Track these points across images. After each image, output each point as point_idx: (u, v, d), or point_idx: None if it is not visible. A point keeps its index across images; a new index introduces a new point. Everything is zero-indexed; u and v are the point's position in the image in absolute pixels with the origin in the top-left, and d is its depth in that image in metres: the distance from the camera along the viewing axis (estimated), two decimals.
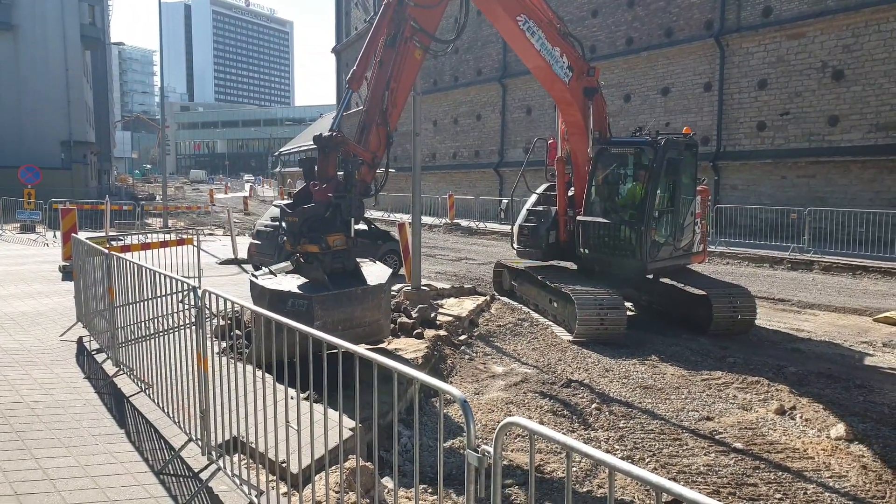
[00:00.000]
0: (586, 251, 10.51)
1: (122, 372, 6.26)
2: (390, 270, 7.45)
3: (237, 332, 5.56)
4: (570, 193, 11.08)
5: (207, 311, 4.37)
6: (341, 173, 7.07)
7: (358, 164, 7.13)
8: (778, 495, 4.86)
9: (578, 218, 10.61)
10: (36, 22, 36.25)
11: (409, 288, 10.33)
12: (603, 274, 10.42)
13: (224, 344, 5.46)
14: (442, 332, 8.48)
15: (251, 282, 6.87)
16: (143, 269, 5.52)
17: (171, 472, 4.40)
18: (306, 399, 4.74)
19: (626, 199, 10.45)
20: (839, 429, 5.97)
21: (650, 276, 10.99)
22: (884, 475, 5.20)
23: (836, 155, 20.19)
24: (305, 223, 6.73)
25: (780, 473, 5.21)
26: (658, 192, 9.78)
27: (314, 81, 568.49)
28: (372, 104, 7.47)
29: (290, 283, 6.74)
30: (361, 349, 3.15)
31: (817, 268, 16.11)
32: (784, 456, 5.53)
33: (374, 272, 7.32)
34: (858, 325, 10.60)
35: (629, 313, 10.42)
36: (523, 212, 12.01)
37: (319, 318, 6.22)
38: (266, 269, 7.29)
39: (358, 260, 7.36)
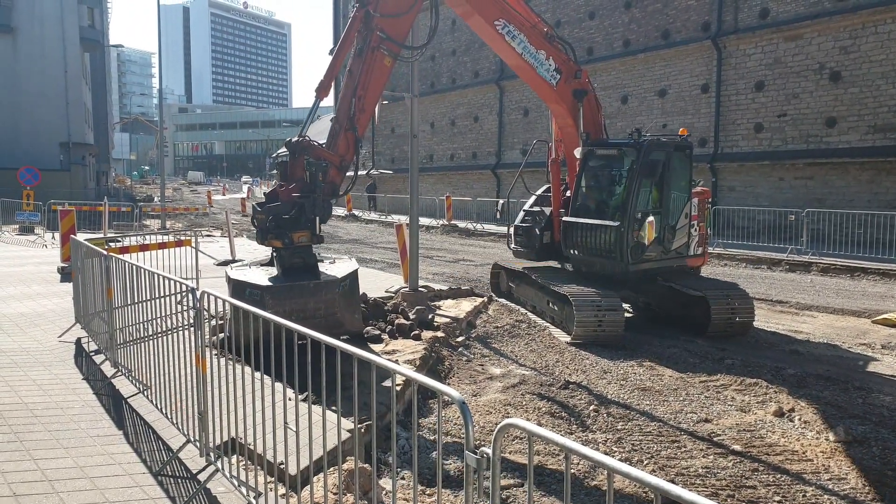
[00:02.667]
0: (571, 251, 10.56)
1: (120, 373, 6.25)
2: (355, 267, 7.68)
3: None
4: (567, 195, 11.10)
5: (205, 313, 4.37)
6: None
7: (322, 167, 7.54)
8: (777, 498, 4.86)
9: (564, 218, 10.66)
10: (35, 24, 36.22)
11: (407, 289, 10.33)
12: (592, 274, 10.44)
13: (220, 342, 5.45)
14: (439, 334, 8.47)
15: (225, 272, 7.44)
16: (142, 270, 5.52)
17: (170, 473, 4.39)
18: (304, 401, 4.74)
19: (611, 201, 10.47)
20: (838, 431, 5.97)
21: (648, 278, 11.00)
22: (883, 478, 5.21)
23: (834, 156, 20.24)
24: (272, 220, 7.21)
25: (779, 476, 5.21)
26: (640, 193, 9.78)
27: (312, 83, 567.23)
28: (340, 111, 7.85)
29: (255, 274, 7.29)
30: (360, 351, 3.15)
31: (815, 269, 16.13)
32: (783, 458, 5.53)
33: (336, 269, 7.63)
34: (857, 326, 10.61)
35: (627, 315, 10.42)
36: (521, 212, 12.05)
37: (271, 307, 6.50)
38: (244, 262, 7.96)
39: (334, 257, 7.91)
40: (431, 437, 5.73)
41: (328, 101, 8.34)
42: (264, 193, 7.89)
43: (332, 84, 8.28)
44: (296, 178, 7.41)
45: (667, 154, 9.98)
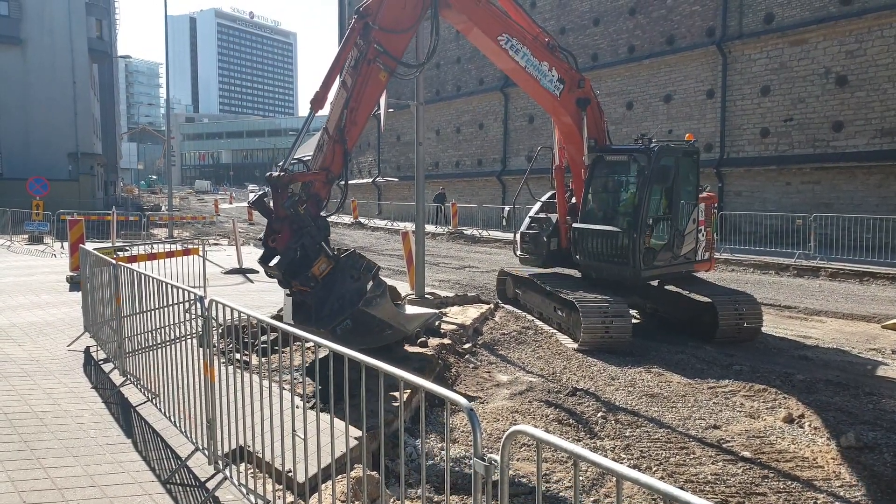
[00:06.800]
0: (581, 258, 10.54)
1: (129, 381, 6.28)
2: (357, 304, 7.02)
3: (244, 339, 5.57)
4: (573, 201, 11.11)
5: (213, 321, 4.39)
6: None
7: (294, 202, 7.07)
8: None
9: (574, 225, 10.66)
10: (44, 36, 36.65)
11: (413, 296, 10.34)
12: (600, 281, 10.43)
13: (230, 352, 5.48)
14: (446, 341, 8.47)
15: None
16: (150, 279, 5.56)
17: (178, 481, 4.40)
18: (312, 408, 4.74)
19: (620, 207, 10.47)
20: (849, 437, 5.92)
21: (655, 284, 10.98)
22: (895, 484, 5.16)
23: (841, 161, 20.16)
24: (286, 274, 6.88)
25: (790, 482, 5.17)
26: (651, 198, 9.77)
27: None
28: (331, 121, 7.69)
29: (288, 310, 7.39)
30: (367, 358, 3.15)
31: (824, 274, 16.04)
32: (793, 465, 5.49)
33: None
34: (867, 331, 10.54)
35: (634, 321, 10.39)
36: (526, 219, 12.06)
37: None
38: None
39: (376, 268, 7.41)
40: (439, 445, 5.72)
41: (319, 111, 8.00)
42: (262, 242, 7.23)
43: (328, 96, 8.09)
44: (281, 216, 7.08)
45: (676, 159, 9.99)
